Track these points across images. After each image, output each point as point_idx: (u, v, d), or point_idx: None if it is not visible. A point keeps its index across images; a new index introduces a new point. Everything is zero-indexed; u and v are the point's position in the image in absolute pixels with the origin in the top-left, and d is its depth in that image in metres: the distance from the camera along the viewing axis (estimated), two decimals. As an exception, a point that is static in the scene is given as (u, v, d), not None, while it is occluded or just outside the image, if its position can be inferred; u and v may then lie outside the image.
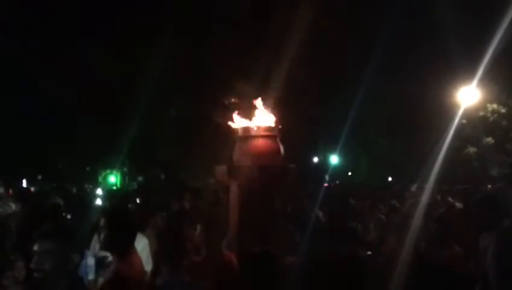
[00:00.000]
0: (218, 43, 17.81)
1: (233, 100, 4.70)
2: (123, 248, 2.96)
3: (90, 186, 19.88)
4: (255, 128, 4.36)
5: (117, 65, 19.86)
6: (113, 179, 21.06)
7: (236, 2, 18.26)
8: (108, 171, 21.23)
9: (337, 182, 22.94)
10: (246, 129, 4.39)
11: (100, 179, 21.28)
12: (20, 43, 20.67)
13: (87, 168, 26.65)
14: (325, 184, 14.82)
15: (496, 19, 11.52)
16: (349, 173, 29.85)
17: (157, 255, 4.26)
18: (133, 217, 3.47)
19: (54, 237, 1.89)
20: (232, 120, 4.55)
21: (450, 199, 7.32)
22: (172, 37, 16.88)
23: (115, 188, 19.42)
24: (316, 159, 29.79)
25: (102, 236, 3.06)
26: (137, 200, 9.34)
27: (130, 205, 7.66)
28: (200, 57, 18.26)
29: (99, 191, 15.96)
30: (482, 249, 3.51)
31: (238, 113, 4.55)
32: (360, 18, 19.17)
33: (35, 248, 1.98)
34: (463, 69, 15.14)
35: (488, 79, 15.49)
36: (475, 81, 14.65)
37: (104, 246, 2.93)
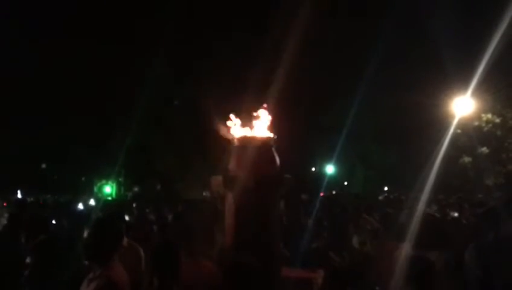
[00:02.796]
0: (216, 55, 17.92)
1: (230, 110, 4.70)
2: (107, 255, 2.82)
3: (85, 197, 19.73)
4: (251, 138, 4.37)
5: (114, 75, 19.92)
6: (109, 189, 20.89)
7: (236, 14, 18.43)
8: (103, 181, 21.06)
9: (333, 192, 22.93)
10: (242, 139, 4.39)
11: (96, 189, 21.09)
12: (17, 55, 20.75)
13: (83, 179, 26.51)
14: (321, 193, 14.84)
15: (490, 30, 11.65)
16: (345, 183, 29.85)
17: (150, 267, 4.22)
18: (121, 225, 3.36)
19: (46, 249, 1.86)
20: (228, 130, 4.55)
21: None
22: (170, 45, 16.97)
23: (110, 198, 19.29)
24: (313, 169, 29.80)
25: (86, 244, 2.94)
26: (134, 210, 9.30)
27: (126, 215, 7.59)
28: (199, 68, 18.36)
29: (91, 202, 15.87)
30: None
31: (235, 123, 4.55)
32: (356, 30, 19.35)
33: (27, 260, 1.95)
34: (457, 80, 15.27)
35: (483, 89, 15.62)
36: (469, 92, 14.78)
37: (87, 254, 2.80)
